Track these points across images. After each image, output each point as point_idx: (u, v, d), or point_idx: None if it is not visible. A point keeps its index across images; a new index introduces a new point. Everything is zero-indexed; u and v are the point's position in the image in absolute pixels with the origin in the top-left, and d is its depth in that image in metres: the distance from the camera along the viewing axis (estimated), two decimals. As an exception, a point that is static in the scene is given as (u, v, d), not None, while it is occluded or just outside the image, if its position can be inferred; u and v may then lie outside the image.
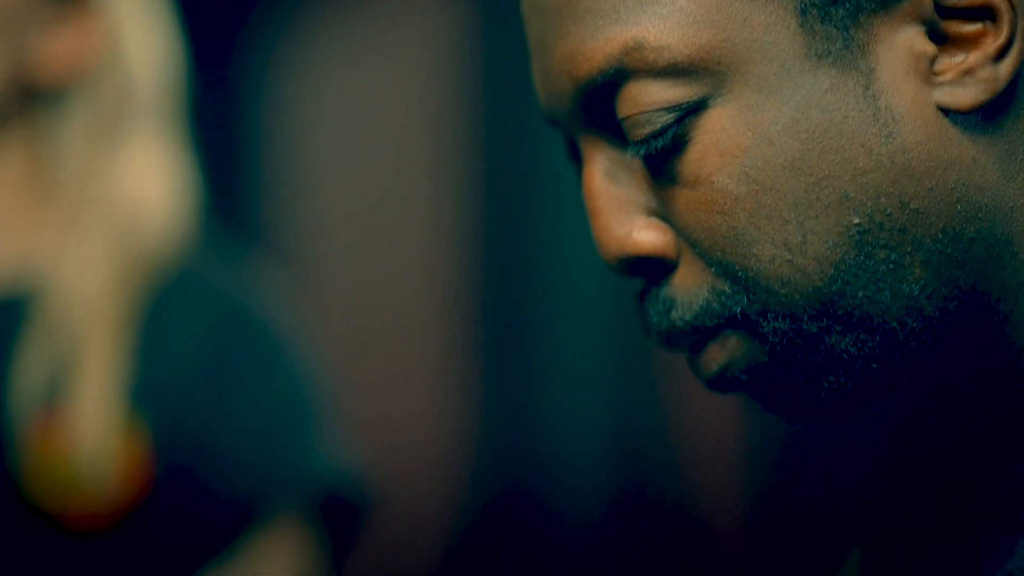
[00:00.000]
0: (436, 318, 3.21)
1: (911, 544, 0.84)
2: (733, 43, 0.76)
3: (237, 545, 1.38)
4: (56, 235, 1.40)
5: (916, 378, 0.79)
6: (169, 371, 1.38)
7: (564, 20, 0.78)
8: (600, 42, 0.77)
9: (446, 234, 3.22)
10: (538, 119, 0.84)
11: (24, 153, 1.41)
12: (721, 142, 0.76)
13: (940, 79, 0.77)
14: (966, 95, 0.76)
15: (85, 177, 1.40)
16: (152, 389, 1.36)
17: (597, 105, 0.79)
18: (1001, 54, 0.77)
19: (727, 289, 0.78)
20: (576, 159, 0.83)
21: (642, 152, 0.78)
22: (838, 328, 0.77)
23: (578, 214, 0.91)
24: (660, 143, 0.77)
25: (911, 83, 0.76)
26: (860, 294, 0.76)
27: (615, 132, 0.79)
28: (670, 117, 0.77)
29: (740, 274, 0.77)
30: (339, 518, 1.42)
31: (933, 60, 0.77)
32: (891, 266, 0.76)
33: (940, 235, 0.76)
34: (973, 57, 0.77)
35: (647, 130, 0.77)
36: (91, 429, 1.34)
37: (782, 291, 0.76)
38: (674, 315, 0.79)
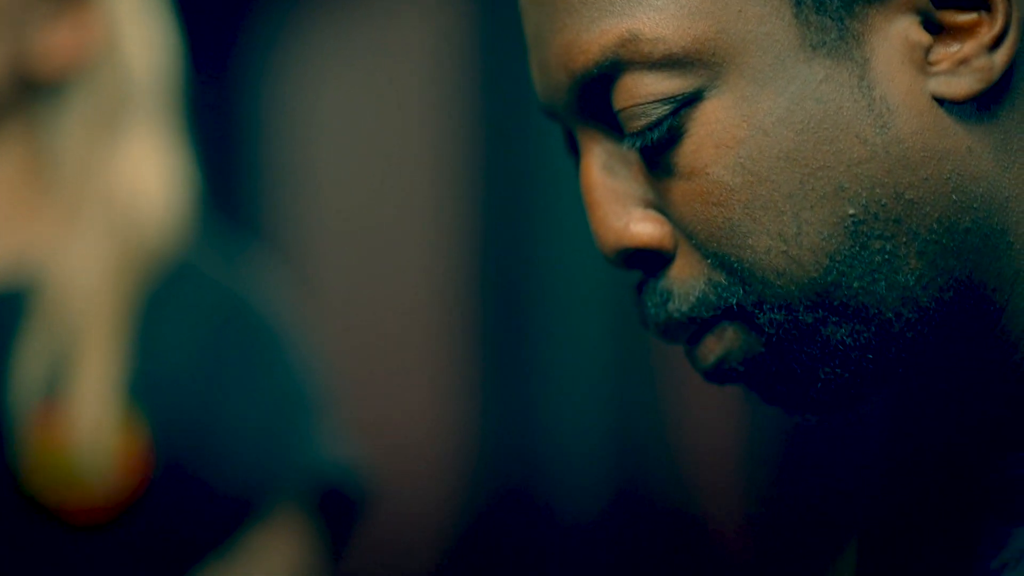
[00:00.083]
0: (435, 315, 3.21)
1: (908, 534, 0.85)
2: (728, 34, 0.76)
3: (236, 538, 1.38)
4: (55, 228, 1.40)
5: (912, 368, 0.79)
6: (168, 365, 1.38)
7: (560, 12, 0.78)
8: (595, 34, 0.77)
9: (445, 230, 3.21)
10: (537, 116, 0.84)
11: (22, 146, 1.41)
12: (716, 133, 0.76)
13: (935, 69, 0.77)
14: (961, 85, 0.77)
15: (84, 171, 1.40)
16: (151, 383, 1.37)
17: (593, 97, 0.79)
18: (996, 44, 0.77)
19: (723, 280, 0.78)
20: (574, 151, 0.83)
21: (638, 144, 0.78)
22: (834, 319, 0.77)
23: (577, 212, 0.91)
24: (656, 135, 0.77)
25: (906, 73, 0.76)
26: (855, 285, 0.76)
27: (612, 124, 0.79)
28: (665, 109, 0.77)
29: (736, 265, 0.77)
30: (338, 511, 1.42)
31: (928, 50, 0.77)
32: (886, 256, 0.76)
33: (935, 225, 0.76)
34: (968, 47, 0.77)
35: (643, 122, 0.77)
36: (90, 422, 1.34)
37: (777, 282, 0.76)
38: (671, 307, 0.79)
